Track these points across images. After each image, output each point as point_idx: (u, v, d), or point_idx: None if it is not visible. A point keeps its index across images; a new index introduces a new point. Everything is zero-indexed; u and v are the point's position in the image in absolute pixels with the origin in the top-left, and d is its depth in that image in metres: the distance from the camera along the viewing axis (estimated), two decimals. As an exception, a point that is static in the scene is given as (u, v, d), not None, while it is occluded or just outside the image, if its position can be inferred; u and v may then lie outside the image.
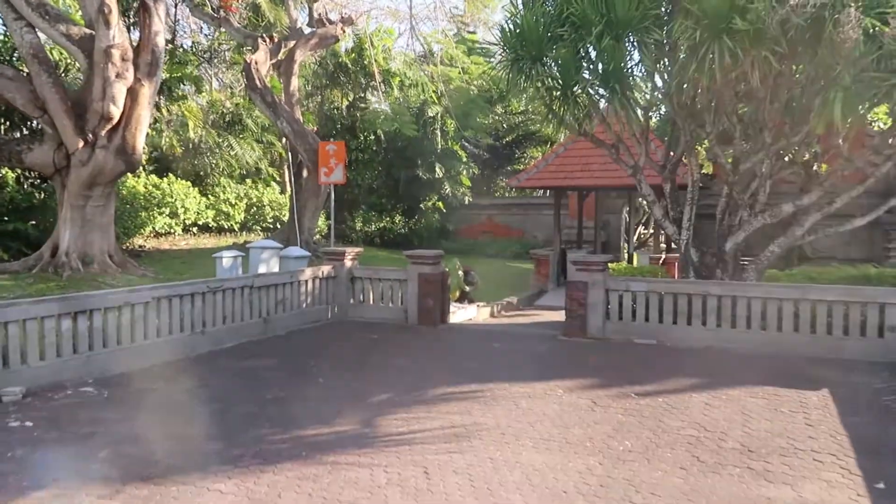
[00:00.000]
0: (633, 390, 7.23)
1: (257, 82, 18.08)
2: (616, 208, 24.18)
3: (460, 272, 14.05)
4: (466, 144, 28.60)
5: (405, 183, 28.20)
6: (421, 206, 27.83)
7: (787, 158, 11.36)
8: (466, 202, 27.92)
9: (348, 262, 12.35)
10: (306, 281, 11.50)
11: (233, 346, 9.54)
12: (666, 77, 8.96)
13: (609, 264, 11.11)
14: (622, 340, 10.15)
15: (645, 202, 11.54)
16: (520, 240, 26.96)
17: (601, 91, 9.30)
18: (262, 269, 13.32)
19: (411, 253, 11.79)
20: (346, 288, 12.28)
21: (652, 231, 40.60)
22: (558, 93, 9.52)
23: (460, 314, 12.92)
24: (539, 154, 30.11)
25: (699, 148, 11.58)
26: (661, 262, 16.69)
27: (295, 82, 20.31)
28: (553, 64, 9.20)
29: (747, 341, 9.58)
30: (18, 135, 14.89)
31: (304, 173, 19.68)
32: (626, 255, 30.56)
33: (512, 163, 30.93)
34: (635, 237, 31.67)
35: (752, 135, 10.54)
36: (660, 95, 10.08)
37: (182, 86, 18.58)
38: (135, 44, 14.05)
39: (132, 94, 13.43)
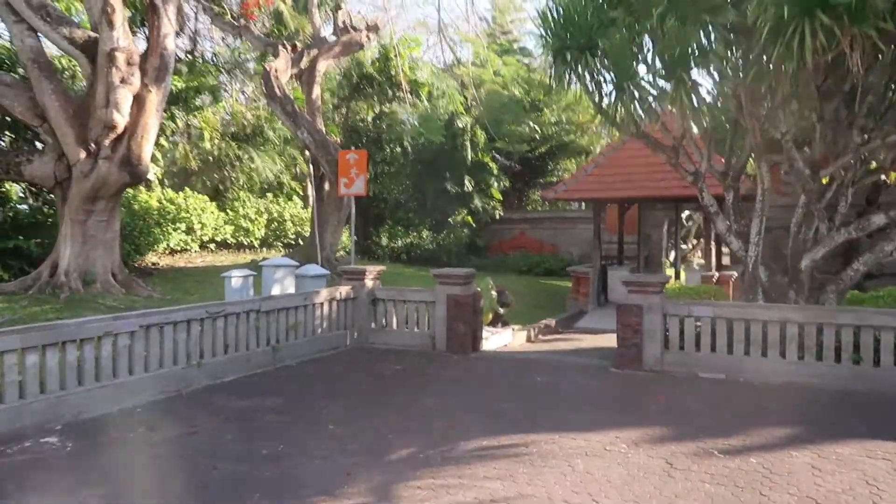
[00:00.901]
0: (715, 445, 5.80)
1: (277, 91, 17.07)
2: (657, 222, 22.66)
3: (493, 292, 12.73)
4: (497, 156, 27.33)
5: (433, 197, 27.02)
6: (449, 220, 26.59)
7: (873, 163, 9.88)
8: (497, 216, 26.64)
9: (369, 282, 11.11)
10: (322, 303, 10.28)
11: (234, 380, 8.32)
12: (740, 66, 7.57)
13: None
14: (685, 374, 8.71)
15: (704, 214, 10.07)
16: (554, 256, 25.52)
17: (662, 83, 7.92)
18: (275, 290, 12.15)
19: (439, 272, 10.50)
20: (366, 311, 11.04)
21: (692, 246, 39.02)
22: (611, 86, 8.18)
23: (494, 340, 11.57)
24: (574, 166, 28.73)
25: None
26: (714, 280, 15.15)
27: (317, 91, 19.29)
28: (604, 53, 7.87)
29: (836, 376, 8.08)
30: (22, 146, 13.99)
31: (326, 186, 18.57)
32: (668, 272, 28.96)
33: (545, 175, 29.56)
34: (673, 253, 30.11)
35: (837, 135, 9.08)
36: (728, 90, 8.67)
37: (199, 96, 17.65)
38: (144, 49, 13.10)
39: (139, 101, 12.44)
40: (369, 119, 26.56)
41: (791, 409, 7.15)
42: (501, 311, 12.82)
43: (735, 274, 15.57)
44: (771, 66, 7.40)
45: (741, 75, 7.59)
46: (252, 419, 6.70)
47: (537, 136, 28.70)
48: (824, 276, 10.07)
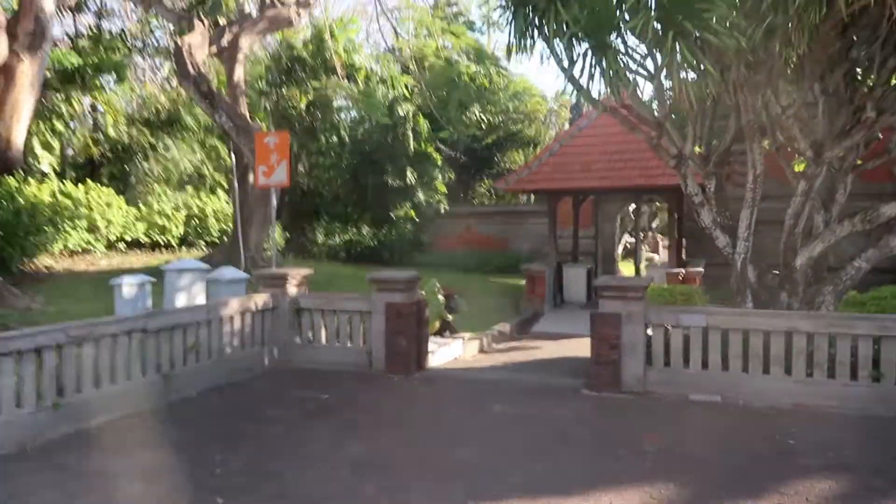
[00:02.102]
0: (747, 514, 4.28)
1: (190, 69, 14.94)
2: (610, 215, 21.41)
3: (440, 296, 11.05)
4: (441, 147, 25.65)
5: (373, 190, 25.14)
6: (391, 215, 24.77)
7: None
8: (442, 211, 24.96)
9: (292, 289, 9.27)
10: (231, 317, 8.39)
11: (106, 424, 6.38)
12: (744, 26, 6.06)
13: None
14: (673, 397, 7.23)
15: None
16: (503, 252, 23.99)
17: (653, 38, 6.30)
18: (180, 300, 10.18)
19: (377, 276, 8.74)
20: (289, 323, 9.19)
21: (642, 239, 38.22)
22: (586, 45, 6.55)
23: (442, 353, 9.89)
24: (522, 157, 27.30)
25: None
26: (681, 277, 13.86)
27: (240, 72, 17.19)
28: (578, 4, 6.24)
29: (853, 397, 6.74)
30: None
31: (250, 177, 16.52)
32: (623, 269, 27.86)
33: (491, 167, 28.03)
34: (621, 247, 29.05)
35: (840, 111, 7.74)
36: (714, 60, 7.16)
37: (101, 75, 15.34)
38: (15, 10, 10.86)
39: (6, 72, 10.24)
40: (302, 106, 24.47)
41: (814, 445, 5.71)
42: (450, 317, 11.16)
43: (702, 270, 14.34)
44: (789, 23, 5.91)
45: (744, 37, 6.08)
46: (102, 491, 4.82)
47: (483, 126, 27.16)
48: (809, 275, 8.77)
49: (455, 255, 24.23)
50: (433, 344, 9.91)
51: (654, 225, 39.12)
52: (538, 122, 29.05)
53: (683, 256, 17.09)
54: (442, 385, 8.08)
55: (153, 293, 10.32)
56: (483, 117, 26.44)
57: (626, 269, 28.00)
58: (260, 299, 8.89)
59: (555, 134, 28.41)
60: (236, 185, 16.15)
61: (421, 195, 24.45)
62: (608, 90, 6.86)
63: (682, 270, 13.96)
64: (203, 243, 20.37)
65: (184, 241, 19.87)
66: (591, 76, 6.81)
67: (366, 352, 8.82)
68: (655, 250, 41.71)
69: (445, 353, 9.96)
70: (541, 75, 69.02)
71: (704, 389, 7.24)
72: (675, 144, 8.27)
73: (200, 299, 10.57)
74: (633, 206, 29.60)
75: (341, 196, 26.71)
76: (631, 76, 7.38)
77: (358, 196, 26.06)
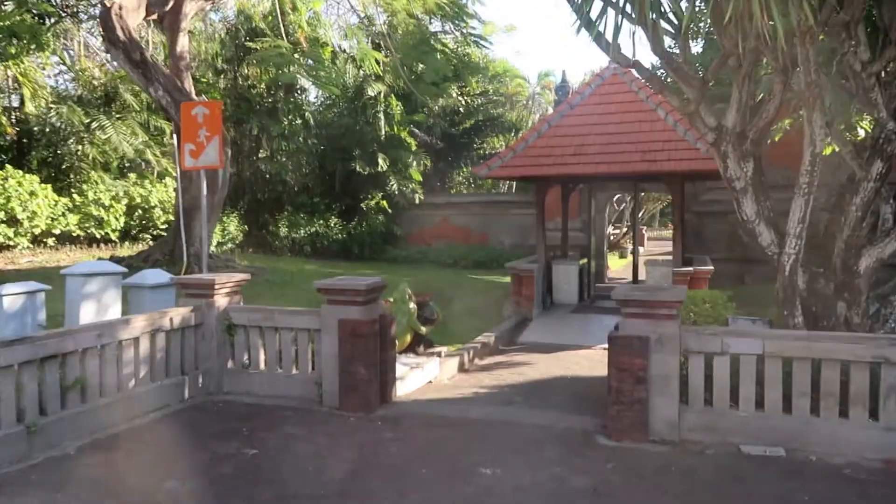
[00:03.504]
0: None
1: (120, 33, 12.78)
2: (602, 205, 19.63)
3: (412, 305, 9.12)
4: (416, 131, 23.65)
5: (342, 178, 23.18)
6: (362, 206, 22.79)
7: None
8: (417, 201, 23.01)
9: (222, 300, 7.29)
10: (136, 339, 6.39)
11: (-85, 514, 4.39)
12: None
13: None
14: (719, 448, 5.42)
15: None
16: (483, 246, 22.15)
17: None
18: (86, 313, 8.13)
19: (327, 285, 6.77)
20: (217, 344, 7.22)
21: (624, 231, 36.62)
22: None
23: (413, 377, 7.97)
24: (503, 144, 25.36)
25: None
26: (689, 277, 12.09)
27: (184, 42, 15.02)
28: None
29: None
30: None
31: (196, 162, 14.41)
32: (613, 264, 26.09)
33: (470, 153, 26.04)
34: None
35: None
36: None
37: (15, 41, 13.08)
38: None
39: None
40: (262, 86, 22.31)
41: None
42: (424, 330, 9.24)
43: (712, 268, 12.59)
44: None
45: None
46: None
47: (461, 110, 25.18)
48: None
49: (431, 250, 22.34)
50: (403, 366, 8.00)
51: (638, 216, 37.60)
52: (520, 105, 27.13)
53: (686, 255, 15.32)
54: (412, 429, 6.16)
55: (51, 304, 8.26)
56: (461, 99, 24.47)
57: (613, 263, 26.32)
58: (178, 314, 6.89)
59: (538, 119, 26.55)
60: (178, 169, 14.01)
61: (394, 184, 22.48)
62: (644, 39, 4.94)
63: (692, 269, 12.17)
64: (150, 237, 18.21)
65: (126, 236, 17.71)
66: (618, 26, 4.88)
67: (315, 382, 6.89)
68: (640, 243, 40.25)
69: (418, 377, 8.04)
70: (521, 58, 67.06)
71: (760, 438, 5.43)
72: (712, 114, 6.40)
73: (114, 311, 8.54)
74: (617, 196, 27.87)
75: (307, 185, 24.66)
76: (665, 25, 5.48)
77: (325, 185, 24.06)
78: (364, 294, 6.54)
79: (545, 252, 14.04)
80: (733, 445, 5.45)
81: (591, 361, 9.95)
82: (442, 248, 22.32)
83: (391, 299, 9.17)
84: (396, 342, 8.59)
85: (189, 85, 14.83)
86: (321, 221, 22.00)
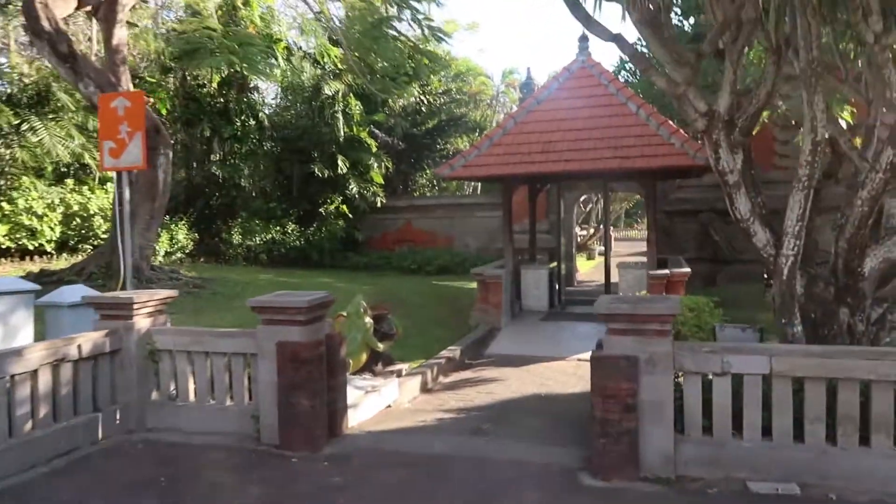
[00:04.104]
0: None
1: (45, 23, 11.61)
2: (570, 206, 18.92)
3: (367, 319, 8.19)
4: (376, 132, 22.69)
5: (299, 182, 22.08)
6: (321, 210, 21.73)
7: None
8: (379, 204, 22.06)
9: (143, 321, 6.28)
10: (34, 371, 5.36)
11: None
12: None
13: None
14: (722, 485, 4.64)
15: (724, 190, 5.97)
16: (448, 250, 21.29)
17: None
18: (-13, 337, 7.04)
19: (263, 302, 5.81)
20: (138, 373, 6.21)
21: (592, 232, 36.11)
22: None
23: (370, 403, 7.03)
24: (467, 144, 24.56)
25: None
26: (665, 281, 11.40)
27: (121, 35, 13.84)
28: None
29: None
30: None
31: (135, 166, 13.28)
32: (581, 266, 25.43)
33: (433, 154, 25.15)
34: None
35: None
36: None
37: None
38: None
39: None
40: (213, 86, 21.12)
41: None
42: (382, 347, 8.32)
43: (689, 271, 11.92)
44: None
45: None
46: None
47: (423, 109, 24.30)
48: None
49: (393, 256, 21.40)
50: (357, 390, 7.08)
51: (609, 217, 37.13)
52: (484, 105, 26.37)
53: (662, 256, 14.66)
54: (365, 471, 5.24)
55: (-53, 329, 7.14)
56: (423, 98, 23.60)
57: (581, 265, 25.68)
58: (88, 340, 5.87)
59: (503, 118, 25.82)
60: (115, 174, 12.87)
61: (354, 187, 21.50)
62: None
63: (668, 272, 11.48)
64: (90, 248, 16.90)
65: (63, 247, 16.40)
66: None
67: (251, 415, 5.93)
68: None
69: (374, 401, 7.12)
70: (485, 56, 66.43)
71: (770, 473, 4.66)
72: (702, 98, 5.62)
73: (25, 335, 7.46)
74: (583, 196, 27.28)
75: (264, 189, 23.51)
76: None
77: (282, 189, 22.94)
78: (306, 312, 5.61)
79: (513, 256, 13.23)
80: (738, 482, 4.67)
81: (565, 375, 9.16)
82: (405, 254, 21.42)
83: (344, 314, 8.25)
84: (351, 361, 7.71)
85: (126, 81, 13.68)
86: (278, 228, 20.88)
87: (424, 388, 8.42)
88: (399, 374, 8.52)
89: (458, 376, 9.27)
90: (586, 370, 9.67)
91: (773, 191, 18.56)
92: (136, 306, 6.17)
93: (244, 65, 10.31)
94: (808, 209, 5.85)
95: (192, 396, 6.23)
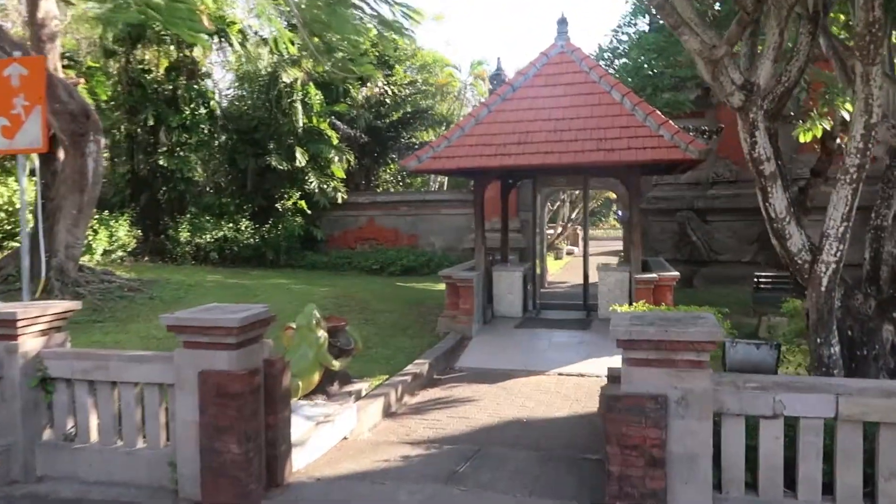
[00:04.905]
0: None
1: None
2: (529, 203, 17.75)
3: (321, 333, 6.96)
4: (338, 123, 21.36)
5: (255, 176, 20.60)
6: (277, 206, 20.32)
7: None
8: (340, 200, 20.73)
9: (32, 342, 4.97)
10: None
11: None
12: None
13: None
14: (777, 564, 3.55)
15: (756, 182, 4.95)
16: (413, 249, 20.11)
17: None
18: None
19: (182, 320, 4.54)
20: (25, 407, 4.90)
21: (561, 231, 35.26)
22: None
23: (321, 438, 5.80)
24: (433, 138, 23.36)
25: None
26: (653, 285, 10.41)
27: (48, 7, 12.31)
28: None
29: None
30: None
31: (61, 154, 11.80)
32: (550, 265, 24.46)
33: (399, 148, 23.87)
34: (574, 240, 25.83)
35: None
36: None
37: None
38: None
39: None
40: (161, 72, 19.55)
41: None
42: (337, 364, 7.10)
43: (676, 274, 10.97)
44: None
45: None
46: None
47: (387, 100, 23.03)
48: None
49: (355, 255, 20.12)
50: (306, 421, 5.86)
51: (573, 215, 36.35)
52: (451, 97, 25.22)
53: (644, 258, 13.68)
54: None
55: None
56: (387, 89, 22.32)
57: (550, 265, 24.72)
58: (-47, 368, 4.54)
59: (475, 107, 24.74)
60: (38, 163, 11.35)
61: (313, 181, 20.15)
62: None
63: (655, 276, 10.49)
64: (7, 247, 15.23)
65: (-15, 243, 14.72)
66: None
67: (168, 461, 4.67)
68: (575, 243, 39.00)
69: (327, 434, 5.90)
70: (452, 48, 65.23)
71: (835, 545, 3.61)
72: (737, 69, 4.55)
73: None
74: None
75: (218, 183, 22.02)
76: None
77: (236, 183, 21.45)
78: (238, 333, 4.38)
79: (485, 257, 12.12)
80: (795, 557, 3.61)
81: (547, 394, 8.08)
82: (368, 253, 20.17)
83: (293, 325, 7.01)
84: (301, 383, 6.48)
85: (55, 59, 12.16)
86: (230, 224, 19.40)
87: (388, 413, 7.23)
88: (358, 395, 7.31)
89: (427, 395, 8.11)
90: (569, 386, 8.70)
91: (752, 189, 18.15)
92: (21, 323, 4.85)
93: (160, 17, 8.85)
94: (854, 207, 4.84)
95: (94, 436, 4.95)
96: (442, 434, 6.54)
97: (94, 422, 4.96)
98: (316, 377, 6.89)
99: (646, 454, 3.67)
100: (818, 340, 5.13)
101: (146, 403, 4.83)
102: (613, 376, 4.10)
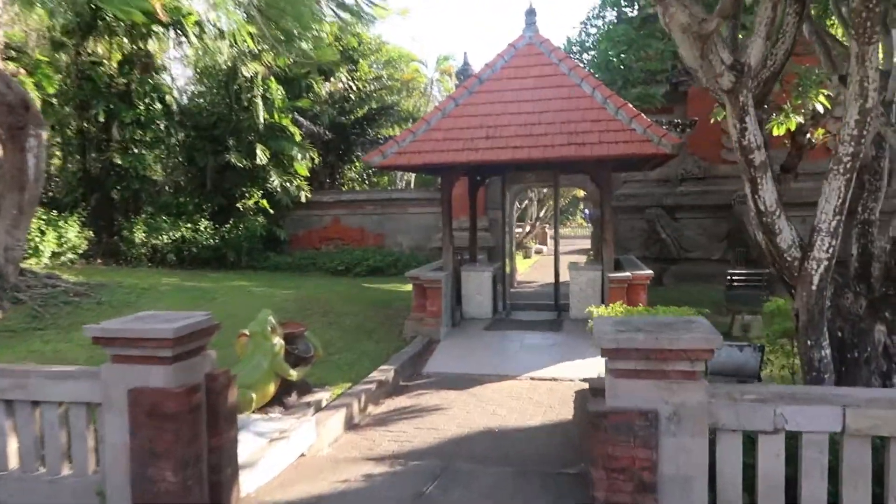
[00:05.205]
0: None
1: None
2: (497, 201, 17.34)
3: (277, 340, 6.44)
4: (300, 119, 20.72)
5: (214, 174, 19.85)
6: (238, 206, 19.60)
7: None
8: (304, 199, 20.10)
9: (-61, 358, 4.35)
10: None
11: None
12: None
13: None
14: None
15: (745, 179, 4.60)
16: (380, 249, 19.59)
17: None
18: None
19: (109, 331, 4.01)
20: (-71, 432, 4.31)
21: (529, 229, 35.00)
22: None
23: (275, 456, 5.29)
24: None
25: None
26: (626, 286, 10.09)
27: (-15, -8, 11.53)
28: None
29: None
30: None
31: (-1, 149, 11.05)
32: (521, 265, 24.14)
33: (364, 145, 23.29)
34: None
35: None
36: None
37: None
38: None
39: None
40: (113, 64, 18.69)
41: None
42: (295, 374, 6.59)
43: (650, 273, 10.67)
44: None
45: None
46: None
47: (352, 96, 22.45)
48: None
49: (320, 255, 19.52)
50: (257, 438, 5.35)
51: (541, 214, 36.13)
52: (417, 93, 24.72)
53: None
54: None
55: None
56: (352, 84, 21.74)
57: (518, 264, 24.40)
58: None
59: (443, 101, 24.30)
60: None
61: (276, 179, 19.49)
62: None
63: (629, 275, 10.17)
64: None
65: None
66: None
67: (96, 490, 4.13)
68: (544, 242, 38.81)
69: (282, 452, 5.39)
70: (418, 44, 64.63)
71: (843, 574, 3.24)
72: (727, 48, 4.18)
73: None
74: (533, 191, 26.07)
75: (178, 182, 21.19)
76: None
77: (194, 182, 20.66)
78: (174, 345, 3.86)
79: (453, 256, 11.68)
80: (799, 588, 3.24)
81: (519, 400, 7.68)
82: (333, 253, 19.58)
83: (247, 332, 6.49)
84: (254, 396, 5.98)
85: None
86: (189, 225, 18.62)
87: (350, 425, 6.74)
88: (318, 405, 6.82)
89: (392, 404, 7.63)
90: (542, 392, 8.29)
91: (721, 185, 18.04)
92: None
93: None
94: (847, 199, 4.51)
95: (12, 463, 4.38)
96: (408, 448, 6.08)
97: (13, 446, 4.39)
98: (271, 388, 6.37)
99: (635, 478, 3.26)
100: (808, 343, 4.80)
101: (72, 425, 4.28)
102: (595, 388, 3.69)
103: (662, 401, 3.30)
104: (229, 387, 4.33)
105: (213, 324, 4.26)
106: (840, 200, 4.49)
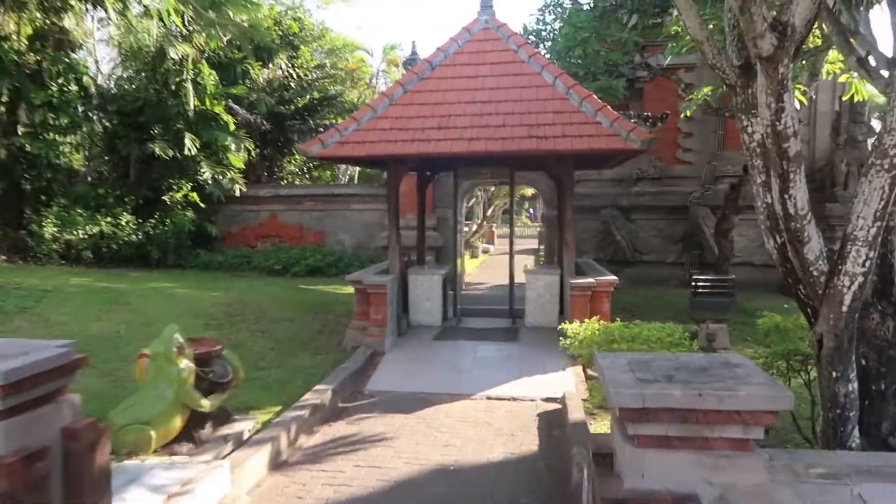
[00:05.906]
0: None
1: None
2: (447, 198, 16.36)
3: (185, 363, 5.26)
4: (235, 107, 19.24)
5: (138, 164, 18.19)
6: (164, 199, 18.00)
7: None
8: (238, 193, 18.64)
9: None
10: None
11: None
12: None
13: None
14: None
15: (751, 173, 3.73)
16: (320, 247, 18.34)
17: None
18: None
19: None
20: None
21: (477, 228, 34.14)
22: None
23: (175, 513, 4.16)
24: (342, 126, 21.57)
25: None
26: (590, 293, 9.22)
27: None
28: None
29: None
30: None
31: None
32: (468, 265, 23.20)
33: (304, 136, 21.89)
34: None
35: None
36: None
37: None
38: None
39: None
40: (22, 39, 16.86)
41: None
42: (207, 405, 5.42)
43: (614, 279, 9.85)
44: None
45: None
46: None
47: (292, 84, 21.06)
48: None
49: (255, 254, 18.14)
50: (150, 495, 4.19)
51: (489, 213, 35.36)
52: (362, 83, 23.50)
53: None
54: None
55: None
56: (292, 72, 20.35)
57: (466, 264, 23.51)
58: None
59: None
60: None
61: (207, 171, 17.98)
62: None
63: (593, 282, 9.31)
64: None
65: None
66: None
67: None
68: (491, 241, 38.07)
69: (184, 510, 4.24)
70: (363, 33, 62.86)
71: None
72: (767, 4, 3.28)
73: None
74: (481, 188, 25.21)
75: (100, 172, 19.39)
76: None
77: (116, 172, 18.94)
78: (2, 394, 2.68)
79: (400, 258, 10.61)
80: None
81: (476, 426, 6.69)
82: (269, 252, 18.22)
83: (148, 352, 5.29)
84: (153, 434, 4.80)
85: None
86: (109, 219, 16.94)
87: (276, 463, 5.60)
88: (239, 439, 5.68)
89: (329, 433, 6.52)
90: (501, 415, 7.26)
91: (677, 186, 17.53)
92: None
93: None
94: (891, 201, 3.68)
95: None
96: (346, 494, 5.00)
97: None
98: (177, 422, 5.20)
99: (665, 591, 2.29)
100: (834, 375, 3.96)
101: None
102: (602, 453, 2.70)
103: (704, 481, 2.34)
104: (99, 444, 3.17)
105: (76, 358, 3.09)
106: (882, 203, 3.65)
